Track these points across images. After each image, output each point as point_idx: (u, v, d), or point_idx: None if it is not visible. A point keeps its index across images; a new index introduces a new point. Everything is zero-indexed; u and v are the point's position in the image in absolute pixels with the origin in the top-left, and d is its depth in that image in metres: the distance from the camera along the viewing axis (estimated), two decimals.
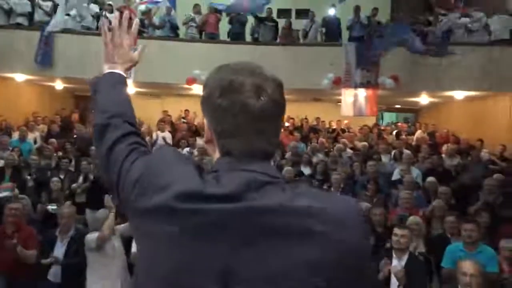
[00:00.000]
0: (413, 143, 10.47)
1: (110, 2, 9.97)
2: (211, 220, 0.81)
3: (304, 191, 0.86)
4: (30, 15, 9.62)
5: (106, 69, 1.24)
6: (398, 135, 11.62)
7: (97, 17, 9.98)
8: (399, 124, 13.37)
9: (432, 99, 11.51)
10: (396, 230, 3.65)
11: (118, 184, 0.97)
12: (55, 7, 9.55)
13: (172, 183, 0.85)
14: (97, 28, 9.84)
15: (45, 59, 9.10)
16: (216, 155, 0.93)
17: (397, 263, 3.50)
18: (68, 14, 9.66)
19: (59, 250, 4.10)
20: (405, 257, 3.60)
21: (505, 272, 4.03)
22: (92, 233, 3.95)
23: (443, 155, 8.60)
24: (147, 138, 9.26)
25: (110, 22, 1.29)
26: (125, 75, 1.24)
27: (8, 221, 4.20)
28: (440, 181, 6.42)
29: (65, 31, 9.52)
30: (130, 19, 1.30)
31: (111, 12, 9.96)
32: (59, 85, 11.32)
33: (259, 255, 0.80)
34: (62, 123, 10.47)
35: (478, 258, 3.93)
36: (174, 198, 0.83)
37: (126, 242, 4.10)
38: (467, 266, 3.30)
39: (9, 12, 9.42)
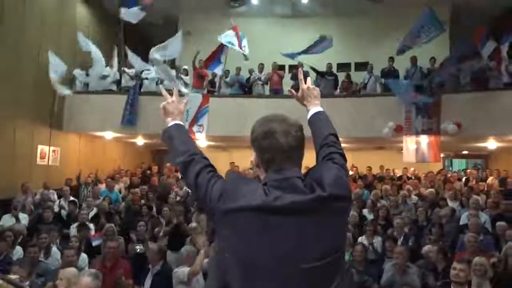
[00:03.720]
0: (484, 189, 10.27)
1: (186, 67, 11.21)
2: (274, 214, 1.33)
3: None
4: (118, 82, 11.09)
5: (170, 122, 1.78)
6: (467, 181, 11.42)
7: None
8: (468, 171, 13.05)
9: (500, 144, 11.26)
10: (455, 264, 3.84)
11: (205, 198, 1.43)
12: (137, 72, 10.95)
13: (244, 196, 1.35)
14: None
15: (131, 118, 10.33)
16: (263, 174, 1.48)
17: None
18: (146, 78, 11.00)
19: (148, 282, 4.71)
20: None
21: None
22: (181, 268, 4.53)
23: None
24: None
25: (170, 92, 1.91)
26: (183, 123, 1.80)
27: (107, 257, 4.93)
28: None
29: (144, 93, 10.79)
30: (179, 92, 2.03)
31: (186, 75, 11.22)
32: (140, 141, 12.62)
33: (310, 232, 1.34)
34: (142, 175, 11.63)
35: None
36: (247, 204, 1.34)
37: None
38: None
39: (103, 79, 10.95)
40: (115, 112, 10.46)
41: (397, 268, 4.83)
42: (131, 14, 10.29)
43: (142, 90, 10.73)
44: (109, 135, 11.45)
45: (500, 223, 6.45)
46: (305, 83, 1.91)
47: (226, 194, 1.39)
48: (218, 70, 10.89)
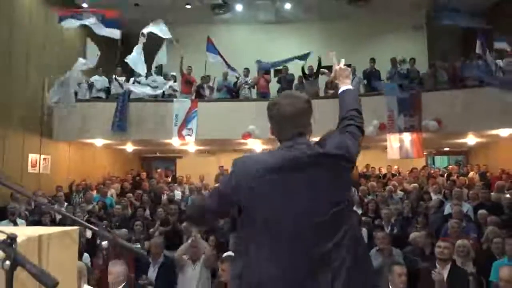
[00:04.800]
0: (466, 183, 10.67)
1: (174, 73, 11.42)
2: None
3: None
4: (107, 89, 11.24)
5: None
6: (448, 176, 11.85)
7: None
8: (450, 167, 13.51)
9: (479, 139, 11.73)
10: (440, 243, 4.12)
11: (225, 198, 1.71)
12: (127, 80, 11.10)
13: (254, 164, 1.68)
14: (163, 95, 11.26)
15: (121, 125, 10.47)
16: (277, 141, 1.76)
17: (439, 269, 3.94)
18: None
19: (152, 274, 4.89)
20: (447, 267, 4.03)
21: None
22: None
23: (494, 192, 8.84)
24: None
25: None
26: None
27: (110, 254, 5.11)
28: (492, 214, 6.69)
29: (133, 99, 10.94)
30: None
31: (175, 81, 11.42)
32: (129, 147, 12.74)
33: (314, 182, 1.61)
34: (133, 182, 11.76)
35: None
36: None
37: None
38: (505, 273, 3.67)
39: (91, 88, 11.07)
40: (105, 119, 10.59)
41: (382, 252, 5.09)
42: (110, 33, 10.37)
43: (131, 96, 10.88)
44: (99, 142, 11.55)
45: (481, 211, 6.82)
46: (338, 64, 2.11)
47: (237, 173, 1.68)
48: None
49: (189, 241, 4.95)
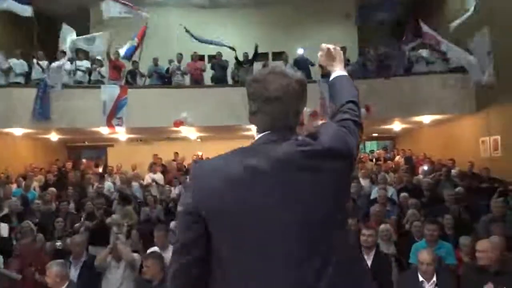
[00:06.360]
0: (392, 167, 11.24)
1: (99, 57, 10.79)
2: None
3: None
4: (27, 74, 10.37)
5: None
6: (376, 161, 12.43)
7: (88, 72, 10.77)
8: (378, 151, 14.18)
9: (404, 125, 12.37)
10: (364, 231, 4.25)
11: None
12: (50, 64, 10.33)
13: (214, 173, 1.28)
14: (89, 81, 10.64)
15: (43, 112, 9.74)
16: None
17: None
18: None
19: (73, 274, 4.59)
20: (372, 254, 4.18)
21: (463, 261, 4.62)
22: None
23: (419, 175, 9.40)
24: (140, 181, 9.86)
25: None
26: None
27: (24, 255, 4.72)
28: (413, 197, 7.09)
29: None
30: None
31: (102, 66, 10.81)
32: (53, 136, 11.94)
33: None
34: (58, 173, 11.05)
35: (439, 253, 4.55)
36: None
37: None
38: (424, 256, 3.88)
39: (7, 72, 10.15)
40: (25, 106, 9.80)
41: None
42: (21, 9, 9.74)
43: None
44: (18, 131, 10.69)
45: (403, 194, 7.20)
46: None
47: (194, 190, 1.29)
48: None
49: (107, 248, 4.73)
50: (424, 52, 10.60)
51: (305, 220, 1.21)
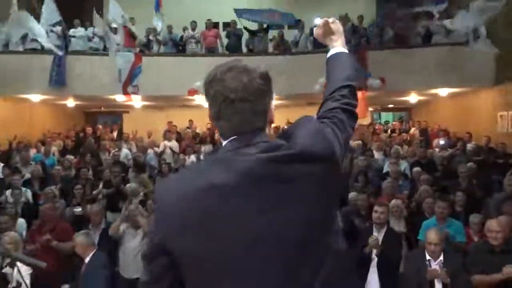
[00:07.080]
0: (407, 139, 11.18)
1: (115, 25, 10.73)
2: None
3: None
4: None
5: None
6: (392, 132, 12.34)
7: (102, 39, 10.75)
8: (393, 123, 14.04)
9: (421, 97, 12.19)
10: (376, 207, 4.31)
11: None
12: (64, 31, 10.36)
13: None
14: (104, 48, 10.64)
15: (59, 79, 9.86)
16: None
17: (377, 235, 4.16)
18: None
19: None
20: (383, 231, 4.26)
21: (473, 240, 4.69)
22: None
23: (435, 149, 9.37)
24: (155, 149, 9.97)
25: None
26: None
27: (45, 220, 4.94)
28: (427, 171, 7.08)
29: (74, 52, 10.32)
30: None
31: (116, 33, 10.76)
32: (70, 103, 12.09)
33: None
34: (76, 138, 11.26)
35: (449, 230, 4.61)
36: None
37: None
38: (432, 236, 3.92)
39: (24, 38, 10.21)
40: (42, 72, 9.91)
41: None
42: None
43: (70, 49, 10.18)
44: (35, 97, 10.85)
45: (416, 169, 7.19)
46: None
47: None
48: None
49: (123, 214, 4.89)
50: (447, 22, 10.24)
51: (281, 252, 1.08)
